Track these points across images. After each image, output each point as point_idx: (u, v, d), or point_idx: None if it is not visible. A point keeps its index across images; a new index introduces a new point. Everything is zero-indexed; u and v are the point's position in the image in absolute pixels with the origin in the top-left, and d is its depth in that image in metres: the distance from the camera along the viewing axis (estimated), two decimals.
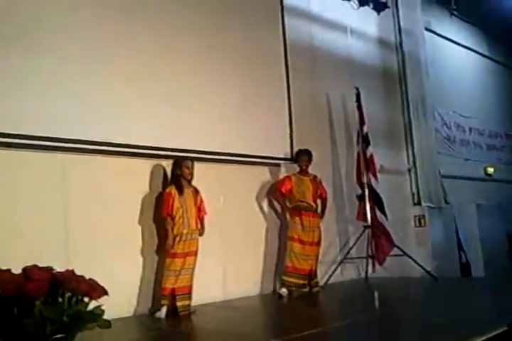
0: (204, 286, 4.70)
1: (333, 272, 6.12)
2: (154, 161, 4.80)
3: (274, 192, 5.76)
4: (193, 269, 4.48)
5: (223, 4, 5.61)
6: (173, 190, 4.53)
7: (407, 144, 8.31)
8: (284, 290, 5.37)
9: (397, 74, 8.44)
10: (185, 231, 4.46)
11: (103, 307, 2.17)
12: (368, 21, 7.93)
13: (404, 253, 6.33)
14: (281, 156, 5.99)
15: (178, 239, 4.43)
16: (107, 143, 4.37)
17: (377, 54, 8.09)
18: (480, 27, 10.61)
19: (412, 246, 7.38)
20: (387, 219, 6.57)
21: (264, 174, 5.89)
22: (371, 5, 7.52)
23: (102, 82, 4.45)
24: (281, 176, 5.93)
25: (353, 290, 6.12)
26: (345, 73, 7.20)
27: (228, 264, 5.21)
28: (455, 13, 9.72)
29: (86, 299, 2.13)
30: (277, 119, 5.95)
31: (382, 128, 7.66)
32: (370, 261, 6.52)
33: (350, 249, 6.39)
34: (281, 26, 6.29)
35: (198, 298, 4.59)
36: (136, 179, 4.64)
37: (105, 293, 2.17)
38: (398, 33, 8.51)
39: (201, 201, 4.70)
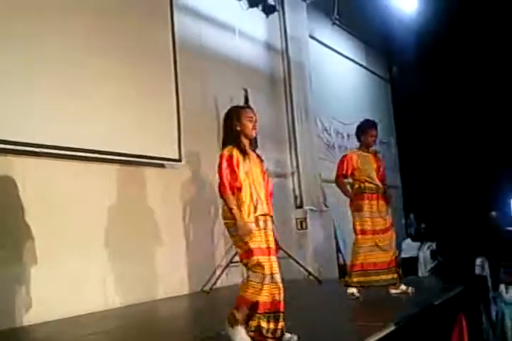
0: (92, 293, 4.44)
1: (218, 276, 5.99)
2: None
3: (336, 179, 5.08)
4: None
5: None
6: (234, 151, 3.23)
7: (291, 148, 8.43)
8: (353, 291, 4.75)
9: (283, 79, 8.55)
10: (258, 214, 3.17)
11: None
12: (257, 23, 7.96)
13: (289, 256, 6.38)
14: (169, 157, 5.76)
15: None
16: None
17: (264, 57, 8.14)
18: (359, 38, 11.12)
19: (294, 248, 7.46)
20: (272, 221, 6.55)
21: (152, 174, 5.63)
22: (260, 7, 7.54)
23: None
24: (169, 177, 5.72)
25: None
26: (233, 74, 7.13)
27: (120, 268, 4.98)
28: (337, 22, 10.09)
29: None
30: (166, 119, 5.73)
31: (267, 131, 7.68)
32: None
33: (236, 252, 6.29)
34: (170, 24, 6.07)
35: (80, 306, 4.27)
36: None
37: None
38: (284, 38, 8.63)
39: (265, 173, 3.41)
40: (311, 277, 6.63)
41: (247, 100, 6.75)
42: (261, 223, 3.19)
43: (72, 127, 4.66)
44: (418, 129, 11.54)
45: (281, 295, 3.18)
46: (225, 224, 3.18)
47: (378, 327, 3.38)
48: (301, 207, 8.12)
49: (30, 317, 4.15)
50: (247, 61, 7.58)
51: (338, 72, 10.44)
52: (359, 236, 4.85)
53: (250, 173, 3.22)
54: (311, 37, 9.29)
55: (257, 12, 7.69)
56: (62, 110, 4.60)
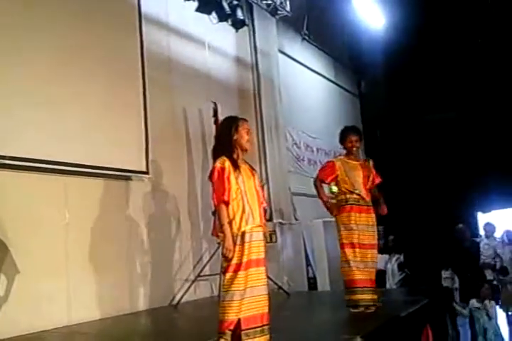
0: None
1: (186, 290, 5.93)
2: None
3: (314, 180, 4.89)
4: None
5: (75, 10, 5.24)
6: (226, 163, 3.21)
7: (260, 161, 8.45)
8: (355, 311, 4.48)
9: (253, 93, 8.60)
10: (248, 228, 3.17)
11: None
12: (227, 38, 8.01)
13: None
14: (136, 169, 5.70)
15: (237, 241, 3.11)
16: None
17: (234, 71, 8.18)
18: (328, 53, 11.28)
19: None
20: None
21: (117, 187, 5.56)
22: (229, 21, 7.60)
23: None
24: (135, 190, 5.67)
25: (207, 308, 5.97)
26: (202, 88, 7.14)
27: (84, 283, 4.92)
28: (306, 38, 10.23)
29: None
30: (133, 131, 5.69)
31: None
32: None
33: (204, 266, 6.25)
34: (138, 36, 6.05)
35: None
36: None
37: None
38: (254, 52, 8.70)
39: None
40: (280, 290, 6.61)
41: (215, 113, 6.75)
42: (247, 236, 3.14)
43: (34, 137, 4.59)
44: (386, 143, 11.70)
45: (265, 307, 3.14)
46: (218, 237, 3.20)
47: (346, 339, 3.38)
48: (270, 220, 8.11)
49: None
50: (217, 75, 7.61)
51: (308, 87, 10.55)
52: (344, 250, 4.60)
53: (243, 185, 3.19)
54: (281, 52, 9.39)
55: (227, 26, 7.75)
56: (23, 120, 4.52)
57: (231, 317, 3.04)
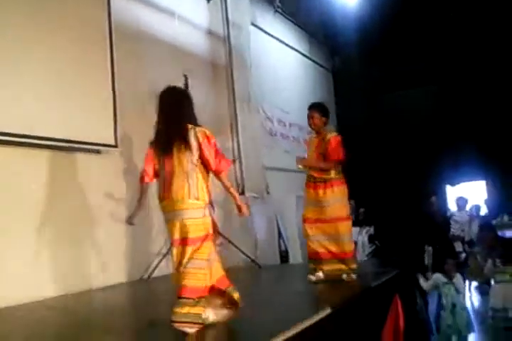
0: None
1: (157, 264, 5.91)
2: None
3: None
4: None
5: None
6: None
7: (233, 136, 8.38)
8: (311, 277, 4.72)
9: (225, 67, 8.46)
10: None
11: None
12: (198, 9, 7.84)
13: (230, 242, 6.37)
14: (104, 142, 5.60)
15: None
16: None
17: (205, 43, 8.04)
18: (302, 27, 11.16)
19: (236, 235, 7.46)
20: (213, 208, 6.52)
21: (87, 160, 5.47)
22: None
23: None
24: (104, 163, 5.58)
25: None
26: (173, 60, 7.00)
27: (55, 256, 4.88)
28: (279, 10, 10.09)
29: None
30: (101, 103, 5.56)
31: (209, 118, 7.53)
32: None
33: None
34: (106, 6, 5.87)
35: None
36: None
37: None
38: (226, 24, 8.53)
39: None
40: (253, 263, 6.64)
41: (187, 86, 6.64)
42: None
43: (14, 113, 4.52)
44: (358, 118, 11.74)
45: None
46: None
47: (314, 311, 3.41)
48: (242, 193, 8.10)
49: None
50: (188, 47, 7.46)
51: (281, 61, 10.46)
52: (304, 225, 4.82)
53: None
54: (254, 24, 9.25)
55: None
56: None
57: (206, 283, 3.12)
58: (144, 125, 6.28)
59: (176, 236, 3.17)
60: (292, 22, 10.80)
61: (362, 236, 8.64)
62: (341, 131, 13.05)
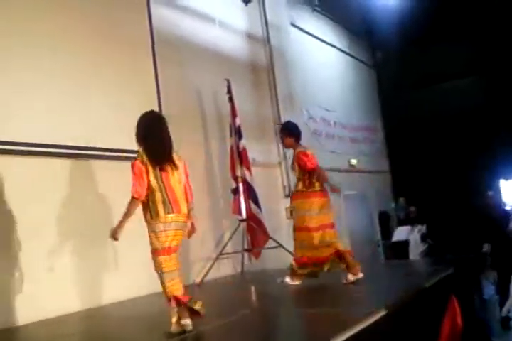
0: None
1: (209, 269, 5.95)
2: None
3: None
4: None
5: None
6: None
7: (277, 138, 8.36)
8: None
9: (266, 68, 8.48)
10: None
11: None
12: (237, 13, 7.88)
13: (280, 245, 6.35)
14: None
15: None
16: None
17: (245, 47, 8.06)
18: (341, 24, 11.06)
19: (284, 237, 7.43)
20: (261, 211, 6.55)
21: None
22: None
23: None
24: None
25: (231, 285, 6.01)
26: (214, 65, 7.05)
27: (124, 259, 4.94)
28: (317, 9, 10.02)
29: None
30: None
31: (252, 121, 7.63)
32: (245, 254, 6.45)
33: (226, 243, 6.27)
34: (147, 15, 5.98)
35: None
36: None
37: None
38: (265, 27, 8.54)
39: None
40: None
41: (229, 90, 6.69)
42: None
43: (50, 124, 4.60)
44: (405, 113, 11.52)
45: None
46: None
47: (370, 312, 3.36)
48: (289, 196, 8.07)
49: None
50: (229, 51, 7.50)
51: (322, 59, 10.39)
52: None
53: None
54: (293, 25, 9.23)
55: (236, 1, 7.61)
56: (47, 106, 4.57)
57: (180, 292, 3.36)
58: (190, 130, 6.45)
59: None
60: (331, 19, 10.71)
61: (414, 234, 8.47)
62: (388, 128, 12.90)
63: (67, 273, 4.57)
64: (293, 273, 5.04)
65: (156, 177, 3.39)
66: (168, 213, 3.37)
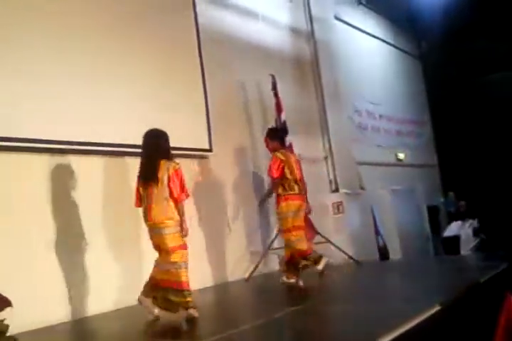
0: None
1: (257, 264, 5.98)
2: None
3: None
4: None
5: None
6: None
7: (322, 132, 8.32)
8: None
9: (310, 62, 8.42)
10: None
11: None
12: (280, 8, 7.86)
13: (327, 240, 6.32)
14: (201, 147, 5.75)
15: None
16: None
17: (289, 42, 8.02)
18: (386, 16, 10.88)
19: (332, 233, 7.39)
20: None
21: (185, 167, 5.62)
22: None
23: None
24: (203, 168, 5.75)
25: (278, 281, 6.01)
26: (259, 61, 7.06)
27: None
28: (362, 2, 9.89)
29: None
30: (194, 109, 5.71)
31: (297, 116, 7.59)
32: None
33: (274, 239, 6.28)
34: (192, 13, 6.02)
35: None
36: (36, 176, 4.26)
37: (8, 304, 1.86)
38: (309, 21, 8.49)
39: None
40: (351, 260, 6.55)
41: (274, 86, 6.68)
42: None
43: (104, 123, 4.71)
44: (452, 106, 11.24)
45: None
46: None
47: (424, 308, 3.30)
48: (336, 190, 8.02)
49: None
50: (273, 46, 7.49)
51: (367, 52, 10.26)
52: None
53: None
54: (337, 18, 9.13)
55: None
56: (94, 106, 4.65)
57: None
58: (236, 127, 6.48)
59: None
60: (375, 12, 10.54)
61: (465, 229, 8.27)
62: (435, 120, 12.62)
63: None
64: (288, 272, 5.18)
65: (143, 190, 3.94)
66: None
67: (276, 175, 5.23)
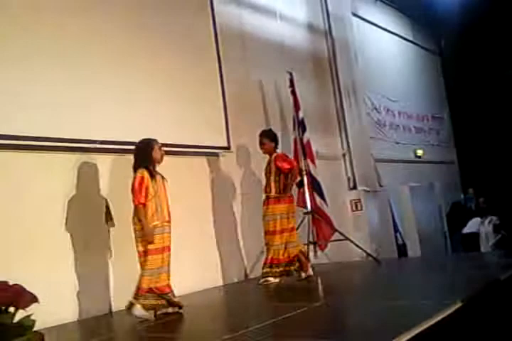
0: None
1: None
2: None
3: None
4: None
5: None
6: (145, 173, 3.97)
7: (340, 129, 8.30)
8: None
9: (327, 59, 8.41)
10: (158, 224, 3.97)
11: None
12: (298, 5, 7.86)
13: (346, 238, 6.31)
14: (219, 145, 5.78)
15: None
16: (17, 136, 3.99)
17: (307, 39, 8.02)
18: (404, 12, 10.80)
19: (350, 230, 7.38)
20: (326, 204, 6.52)
21: (203, 164, 5.67)
22: None
23: None
24: (221, 166, 5.76)
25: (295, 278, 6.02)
26: (276, 58, 7.06)
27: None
28: None
29: (12, 309, 1.83)
30: (211, 107, 5.74)
31: (315, 113, 7.59)
32: (311, 247, 6.45)
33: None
34: (210, 11, 6.05)
35: None
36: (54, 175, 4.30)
37: (35, 300, 1.90)
38: (327, 18, 8.48)
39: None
40: (370, 258, 6.54)
41: (292, 83, 6.68)
42: (158, 229, 3.96)
43: (120, 120, 4.76)
44: (472, 102, 11.12)
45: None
46: (134, 227, 3.98)
47: (445, 305, 3.28)
48: (354, 188, 8.00)
49: None
50: (290, 43, 7.49)
51: (385, 49, 10.20)
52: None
53: (157, 190, 4.01)
54: (355, 15, 9.09)
55: None
56: (115, 106, 4.72)
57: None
58: (254, 124, 6.48)
59: None
60: (394, 8, 10.48)
61: (485, 226, 8.18)
62: (454, 117, 12.50)
63: None
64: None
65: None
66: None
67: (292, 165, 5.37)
